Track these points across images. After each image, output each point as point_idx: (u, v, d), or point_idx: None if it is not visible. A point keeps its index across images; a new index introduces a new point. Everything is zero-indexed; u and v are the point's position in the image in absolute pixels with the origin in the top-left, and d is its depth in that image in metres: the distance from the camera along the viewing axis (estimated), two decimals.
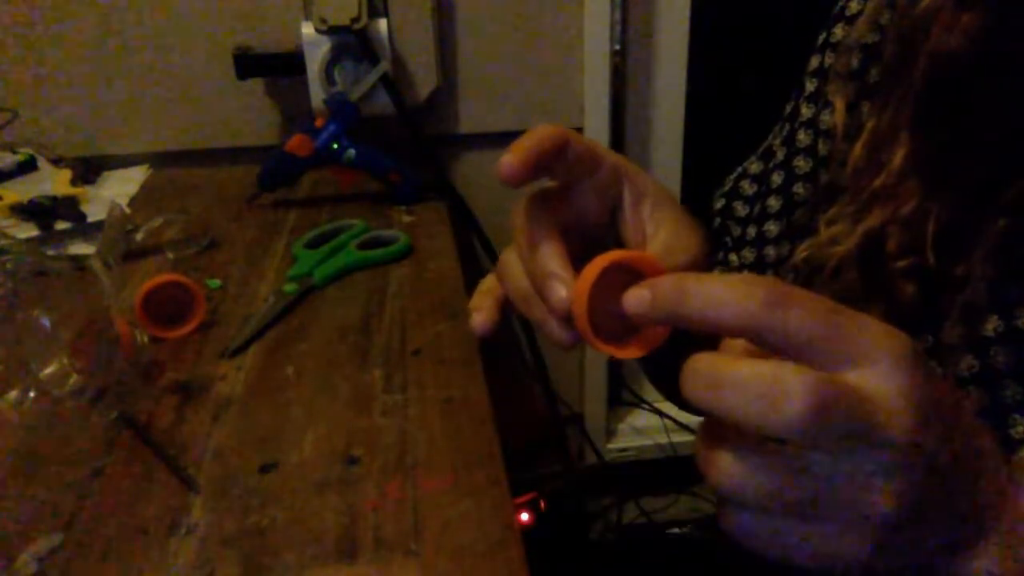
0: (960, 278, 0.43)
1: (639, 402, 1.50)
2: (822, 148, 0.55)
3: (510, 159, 0.36)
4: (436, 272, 0.81)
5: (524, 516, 1.22)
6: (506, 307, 0.48)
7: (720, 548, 0.70)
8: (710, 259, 0.48)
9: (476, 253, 1.16)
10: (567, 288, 0.37)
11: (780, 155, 0.59)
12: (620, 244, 0.45)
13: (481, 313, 0.49)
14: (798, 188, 0.57)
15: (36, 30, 1.03)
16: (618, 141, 1.22)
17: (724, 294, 0.28)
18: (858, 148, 0.48)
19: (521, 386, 1.27)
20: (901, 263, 0.45)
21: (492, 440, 0.56)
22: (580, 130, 1.17)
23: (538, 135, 0.38)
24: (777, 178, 0.59)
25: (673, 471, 1.50)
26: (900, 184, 0.45)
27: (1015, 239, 0.41)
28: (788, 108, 0.60)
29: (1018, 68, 0.41)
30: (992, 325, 0.41)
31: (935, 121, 0.44)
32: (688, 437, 1.47)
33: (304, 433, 0.57)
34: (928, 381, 0.28)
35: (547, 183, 0.42)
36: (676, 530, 1.45)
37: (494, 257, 1.13)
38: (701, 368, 0.28)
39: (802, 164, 0.57)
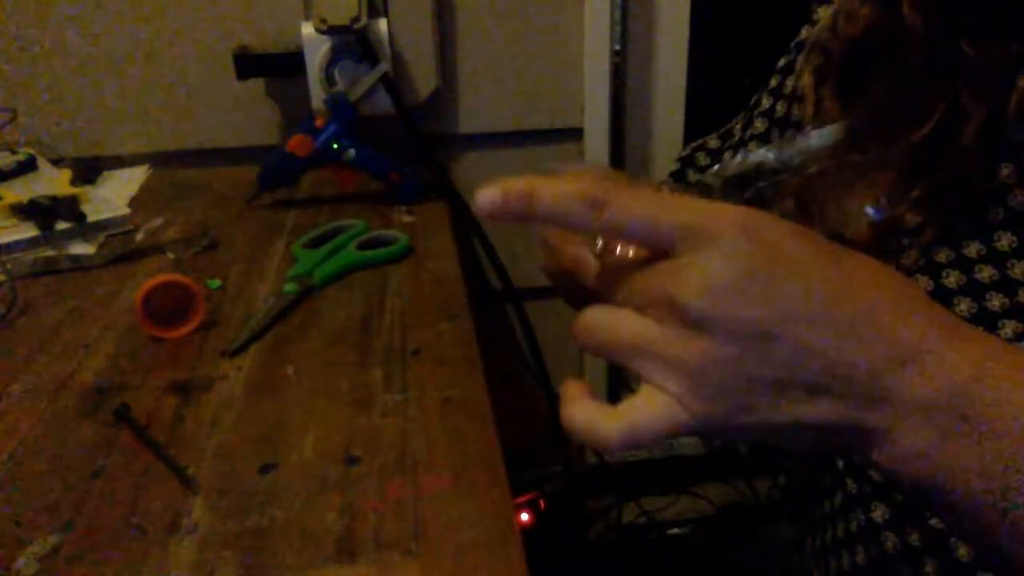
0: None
1: None
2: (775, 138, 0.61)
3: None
4: (436, 272, 0.81)
5: (524, 516, 1.22)
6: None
7: (720, 548, 0.70)
8: None
9: (476, 253, 1.16)
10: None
11: (737, 136, 0.67)
12: None
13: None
14: None
15: (36, 30, 1.03)
16: (618, 141, 1.22)
17: (562, 201, 0.31)
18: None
19: (521, 386, 1.26)
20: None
21: (492, 440, 0.56)
22: (580, 131, 1.17)
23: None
24: (729, 155, 0.66)
25: (673, 471, 1.50)
26: None
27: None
28: (752, 100, 0.66)
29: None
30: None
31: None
32: (689, 437, 1.46)
33: (304, 433, 0.57)
34: (753, 253, 0.29)
35: None
36: (676, 530, 1.45)
37: (494, 257, 1.13)
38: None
39: (753, 147, 0.63)
